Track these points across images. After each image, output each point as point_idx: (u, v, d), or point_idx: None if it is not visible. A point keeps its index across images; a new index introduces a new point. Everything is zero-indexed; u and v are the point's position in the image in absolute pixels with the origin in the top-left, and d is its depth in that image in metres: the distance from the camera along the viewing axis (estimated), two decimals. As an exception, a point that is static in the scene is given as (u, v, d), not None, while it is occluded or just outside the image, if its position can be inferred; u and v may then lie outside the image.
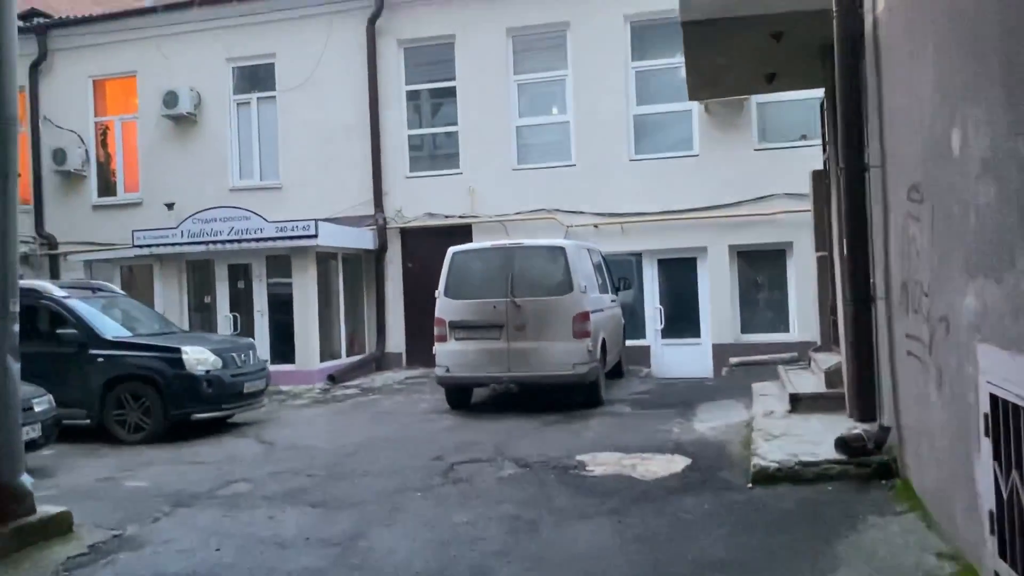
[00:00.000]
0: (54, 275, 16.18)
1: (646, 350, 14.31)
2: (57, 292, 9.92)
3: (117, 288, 11.93)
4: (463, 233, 14.25)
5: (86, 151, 16.65)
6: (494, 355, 10.12)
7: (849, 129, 5.97)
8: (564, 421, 9.57)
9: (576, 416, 9.81)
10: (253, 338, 13.05)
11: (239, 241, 13.54)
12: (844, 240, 6.45)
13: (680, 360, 14.07)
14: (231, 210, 13.87)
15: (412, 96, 15.57)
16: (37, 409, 7.84)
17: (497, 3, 14.80)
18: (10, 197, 5.34)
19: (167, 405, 9.37)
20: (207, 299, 14.39)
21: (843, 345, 7.64)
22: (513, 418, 9.91)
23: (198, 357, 9.54)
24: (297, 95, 15.64)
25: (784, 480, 6.03)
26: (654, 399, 11.11)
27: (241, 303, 14.20)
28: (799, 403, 8.18)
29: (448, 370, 10.34)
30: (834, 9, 5.92)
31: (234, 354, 10.13)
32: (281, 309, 13.96)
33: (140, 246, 14.02)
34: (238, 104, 16.23)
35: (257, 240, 13.47)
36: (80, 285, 11.23)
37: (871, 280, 6.12)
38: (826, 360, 9.16)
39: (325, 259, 14.34)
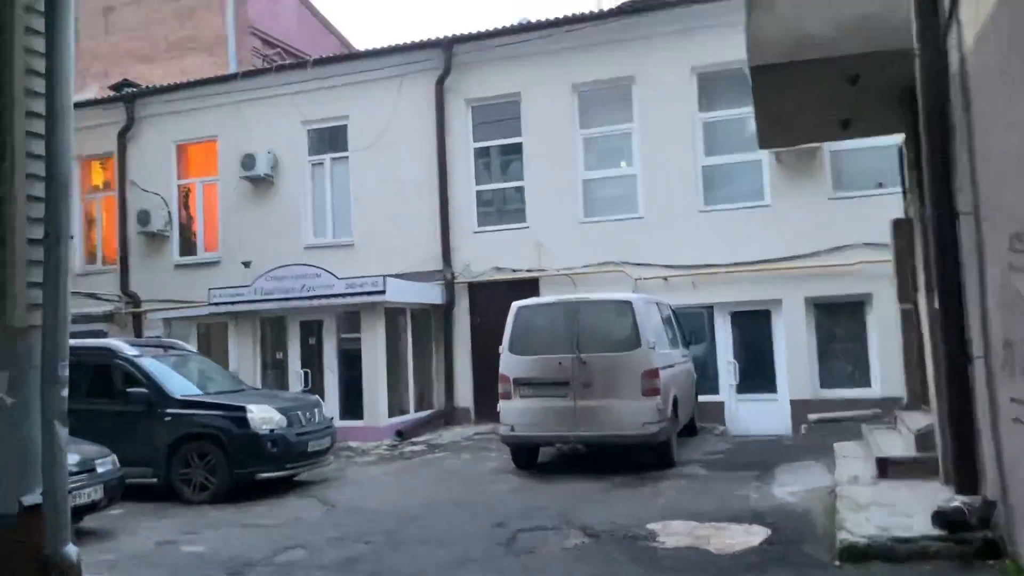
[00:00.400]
0: (137, 333, 16.38)
1: (720, 406, 13.58)
2: (129, 351, 9.88)
3: (189, 346, 11.89)
4: (530, 287, 13.87)
5: (169, 212, 16.92)
6: (560, 413, 9.61)
7: (937, 174, 5.39)
8: (634, 484, 8.98)
9: (647, 478, 9.21)
10: (323, 394, 12.88)
11: (310, 298, 13.45)
12: (934, 293, 5.81)
13: (756, 416, 13.28)
14: (303, 268, 13.82)
15: (479, 153, 15.41)
16: (100, 470, 7.70)
17: (562, 61, 14.58)
18: (63, 260, 5.12)
19: (231, 464, 9.14)
20: (279, 356, 14.29)
21: (936, 406, 6.93)
22: (580, 480, 9.36)
23: (263, 416, 9.30)
24: (368, 154, 15.65)
25: (875, 558, 5.35)
26: (729, 460, 10.41)
27: (312, 359, 14.05)
28: (887, 468, 7.44)
29: (513, 429, 9.86)
30: (916, 47, 5.38)
31: (299, 412, 9.88)
32: (351, 365, 13.76)
33: (215, 303, 14.03)
34: (313, 165, 16.31)
35: (327, 297, 13.36)
36: (153, 344, 11.23)
37: (967, 337, 5.47)
38: (915, 421, 8.37)
39: (394, 314, 14.12)
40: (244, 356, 14.25)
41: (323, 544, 7.04)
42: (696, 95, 13.96)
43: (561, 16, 14.57)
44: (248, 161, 16.01)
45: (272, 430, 9.27)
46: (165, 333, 15.09)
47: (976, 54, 4.80)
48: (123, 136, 17.28)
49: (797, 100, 7.49)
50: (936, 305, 5.72)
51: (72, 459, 7.41)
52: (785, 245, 13.05)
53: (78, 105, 17.49)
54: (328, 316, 13.83)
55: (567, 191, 14.48)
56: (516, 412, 9.82)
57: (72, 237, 5.20)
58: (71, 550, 5.09)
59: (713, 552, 6.12)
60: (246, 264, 15.64)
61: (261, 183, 16.21)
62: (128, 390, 9.44)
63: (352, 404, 13.62)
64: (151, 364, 9.77)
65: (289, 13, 25.94)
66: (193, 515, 8.50)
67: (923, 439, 7.56)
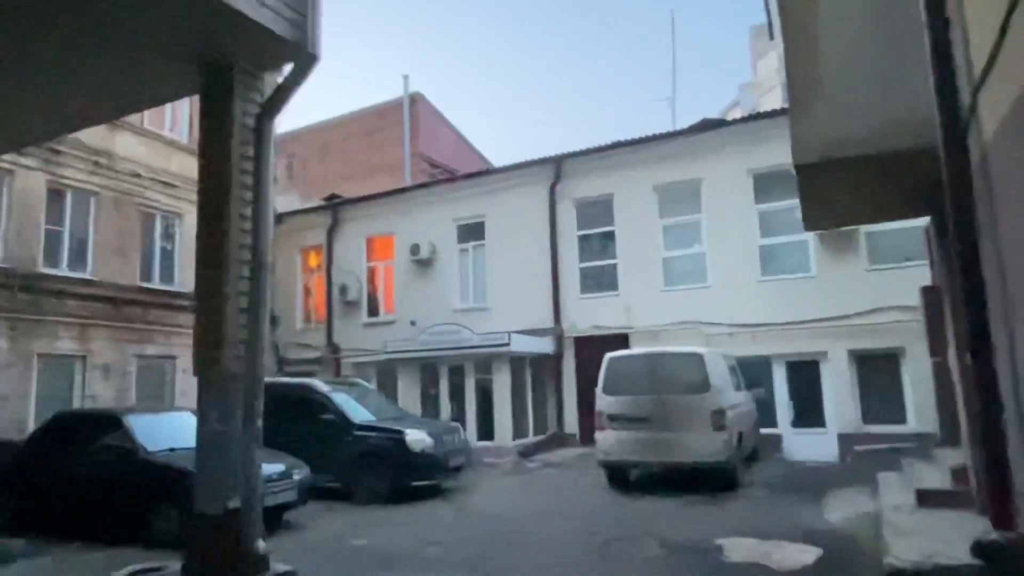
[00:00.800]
0: (337, 373, 16.77)
1: (779, 437, 12.41)
2: (323, 387, 9.99)
3: (366, 383, 11.97)
4: (622, 341, 13.29)
5: (361, 286, 17.43)
6: (644, 442, 8.95)
7: (965, 257, 4.63)
8: (704, 503, 8.18)
9: (715, 498, 8.38)
10: (464, 421, 12.66)
11: (454, 349, 13.39)
12: (966, 352, 4.98)
13: (808, 446, 12.02)
14: (450, 326, 13.82)
15: (582, 239, 15.09)
16: (296, 477, 7.66)
17: (645, 168, 14.20)
18: (261, 326, 5.18)
19: (393, 475, 8.98)
20: (433, 391, 14.21)
21: (968, 447, 5.95)
22: (660, 498, 8.64)
23: (416, 438, 9.13)
24: (499, 241, 15.66)
25: (920, 583, 4.51)
26: (786, 483, 9.38)
27: (457, 394, 13.92)
28: (926, 498, 6.42)
29: (607, 454, 9.28)
30: (940, 145, 4.72)
31: (443, 435, 9.67)
32: (485, 398, 13.51)
33: (389, 352, 14.21)
34: (460, 250, 16.45)
35: (466, 348, 13.26)
36: (341, 381, 11.37)
37: (998, 388, 4.62)
38: (949, 457, 7.29)
39: (517, 361, 13.82)
40: (408, 392, 14.28)
41: (454, 542, 6.71)
42: (752, 190, 13.21)
43: (643, 135, 14.25)
44: (415, 248, 16.35)
45: (423, 449, 9.08)
46: (353, 374, 15.36)
47: (996, 149, 4.13)
48: (330, 233, 18.06)
49: (835, 191, 6.81)
50: (968, 362, 4.88)
51: (277, 468, 7.46)
52: (829, 307, 11.99)
53: (302, 212, 18.59)
54: (468, 362, 13.69)
55: (651, 266, 13.92)
56: (608, 441, 9.24)
57: (271, 310, 5.20)
58: (261, 544, 4.99)
59: (773, 568, 5.38)
60: (413, 323, 15.80)
61: (423, 264, 16.47)
62: (321, 416, 9.52)
63: (486, 428, 13.33)
64: (338, 397, 9.84)
65: (448, 142, 26.84)
66: (363, 514, 8.36)
67: (957, 474, 6.53)
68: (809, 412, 12.39)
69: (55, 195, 12.07)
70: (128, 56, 5.32)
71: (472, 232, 16.38)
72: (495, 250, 15.77)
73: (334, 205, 18.26)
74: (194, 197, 14.33)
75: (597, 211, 14.89)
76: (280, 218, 17.87)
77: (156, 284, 13.73)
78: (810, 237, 12.24)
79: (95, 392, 12.26)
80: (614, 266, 14.52)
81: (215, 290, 5.19)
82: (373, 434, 9.30)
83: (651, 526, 6.98)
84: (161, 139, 14.04)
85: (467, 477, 10.48)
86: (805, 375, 12.54)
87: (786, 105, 6.92)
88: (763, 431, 11.96)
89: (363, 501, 8.92)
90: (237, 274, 5.18)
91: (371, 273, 17.88)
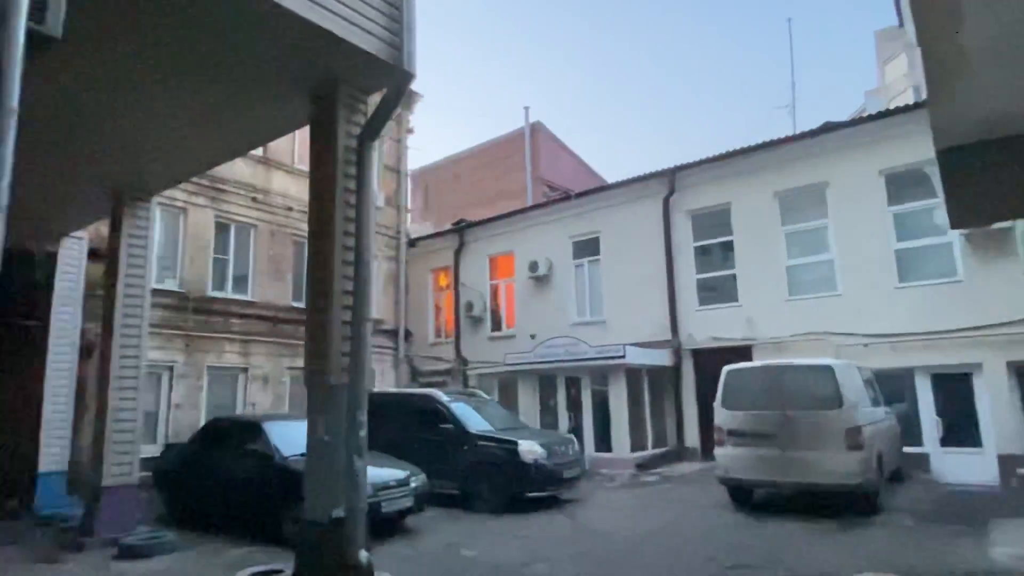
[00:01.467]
0: (465, 384, 16.79)
1: (925, 457, 10.60)
2: (443, 398, 9.83)
3: (485, 394, 11.70)
4: (744, 353, 12.07)
5: (484, 303, 17.42)
6: (768, 461, 7.87)
7: None
8: (839, 530, 6.98)
9: (852, 524, 7.13)
10: (581, 432, 12.06)
11: (570, 361, 12.84)
12: None
13: (961, 467, 10.13)
14: (566, 339, 13.31)
15: (698, 250, 14.02)
16: (413, 484, 7.46)
17: (764, 175, 12.95)
18: (364, 340, 4.98)
19: (507, 484, 8.58)
20: (551, 402, 13.72)
21: None
22: (788, 521, 7.50)
23: (529, 449, 8.69)
24: (614, 256, 14.97)
25: None
26: (938, 510, 7.84)
27: (574, 406, 13.32)
28: None
29: (727, 471, 8.27)
30: None
31: (556, 447, 9.13)
32: (602, 410, 12.79)
33: (509, 364, 13.93)
34: (576, 266, 15.92)
35: (582, 360, 12.65)
36: (462, 392, 11.18)
37: None
38: None
39: (634, 373, 13.01)
40: (528, 402, 13.90)
41: (563, 559, 6.14)
42: (884, 192, 11.55)
43: (761, 141, 13.00)
44: (533, 266, 16.06)
45: (536, 460, 8.62)
46: (478, 386, 15.25)
47: None
48: (457, 254, 18.26)
49: (985, 180, 5.55)
50: None
51: (396, 475, 7.30)
52: (981, 315, 10.10)
53: (432, 236, 18.98)
54: (584, 374, 13.07)
55: (773, 275, 12.60)
56: (729, 457, 8.25)
57: (370, 320, 4.99)
58: (364, 555, 4.73)
59: (925, 617, 4.30)
60: (532, 336, 15.46)
61: (541, 280, 16.13)
62: (441, 426, 9.35)
63: (603, 440, 12.60)
64: (457, 407, 9.64)
65: (567, 166, 26.52)
66: (478, 523, 8.01)
67: None
68: (961, 429, 10.46)
69: (221, 228, 13.07)
70: (246, 90, 5.43)
71: (587, 248, 15.80)
72: (610, 264, 15.09)
73: (460, 228, 18.45)
74: (336, 226, 14.97)
75: (714, 221, 13.78)
76: (413, 242, 18.35)
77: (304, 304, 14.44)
78: (955, 238, 10.48)
79: (256, 400, 13.04)
80: (733, 276, 13.32)
81: (320, 306, 5.10)
82: (488, 444, 8.97)
83: (776, 554, 6.00)
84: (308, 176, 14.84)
85: (583, 489, 9.87)
86: (955, 389, 10.63)
87: (918, 100, 5.77)
88: (906, 450, 10.27)
89: (480, 509, 8.59)
90: (341, 289, 5.04)
91: (494, 290, 17.80)
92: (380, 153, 16.94)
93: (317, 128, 5.43)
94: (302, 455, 7.15)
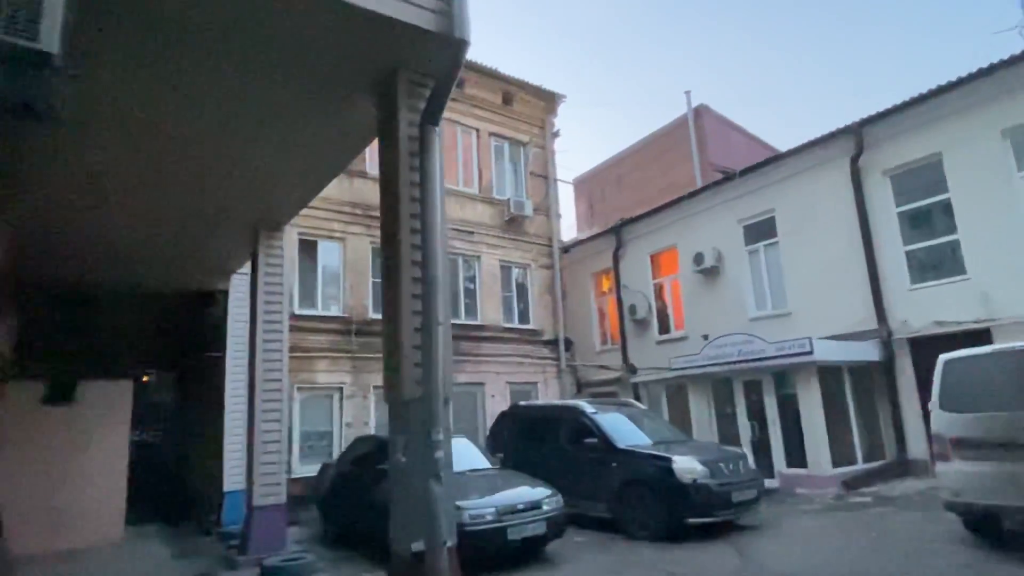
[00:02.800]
0: (636, 395, 15.62)
1: None
2: (588, 409, 8.95)
3: (640, 403, 10.48)
4: (979, 338, 9.39)
5: (649, 304, 16.15)
6: (1019, 480, 5.75)
7: None
8: None
9: None
10: (769, 445, 10.31)
11: (745, 361, 11.11)
12: None
13: None
14: (739, 336, 11.59)
15: (903, 216, 11.41)
16: (545, 507, 6.71)
17: (987, 110, 10.15)
18: (434, 347, 4.39)
19: (662, 508, 7.41)
20: (729, 411, 12.02)
21: None
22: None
23: (686, 467, 7.44)
24: (794, 236, 12.86)
25: None
26: None
27: (757, 413, 11.50)
28: None
29: (956, 494, 6.19)
30: None
31: (722, 464, 7.73)
32: (791, 418, 10.83)
33: (675, 369, 12.53)
34: (749, 253, 14.01)
35: (758, 360, 10.86)
36: (613, 401, 10.16)
37: None
38: None
39: (830, 372, 10.87)
40: (700, 411, 12.36)
41: (717, 608, 4.91)
42: None
43: (982, 67, 10.19)
44: (698, 258, 14.50)
45: (695, 480, 7.33)
46: (645, 394, 14.02)
47: None
48: (616, 255, 17.25)
49: None
50: None
51: (524, 498, 6.62)
52: None
53: (590, 239, 18.19)
54: (765, 376, 11.22)
55: (1012, 236, 9.73)
56: (957, 476, 6.17)
57: (440, 324, 4.38)
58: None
59: None
60: (705, 337, 13.84)
61: (709, 273, 14.46)
62: (585, 440, 8.47)
63: (796, 453, 10.63)
64: (604, 419, 8.69)
65: (738, 146, 24.03)
66: (626, 552, 6.97)
67: None
68: None
69: (378, 252, 13.63)
70: (313, 95, 5.22)
71: (760, 231, 13.82)
72: (790, 247, 12.99)
73: (617, 227, 17.42)
74: (489, 240, 14.88)
75: (920, 179, 11.15)
76: (567, 249, 17.73)
77: (462, 320, 14.53)
78: None
79: (420, 417, 13.28)
80: (955, 243, 10.58)
81: (391, 312, 4.63)
82: (638, 460, 7.87)
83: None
84: (455, 194, 15.03)
85: (767, 513, 8.27)
86: None
87: None
88: None
89: (634, 536, 7.53)
90: (409, 293, 4.52)
91: (658, 290, 16.43)
92: (526, 159, 16.66)
93: (382, 125, 5.03)
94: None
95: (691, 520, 7.27)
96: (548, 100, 17.28)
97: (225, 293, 10.49)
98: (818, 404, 10.39)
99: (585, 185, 28.74)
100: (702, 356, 11.95)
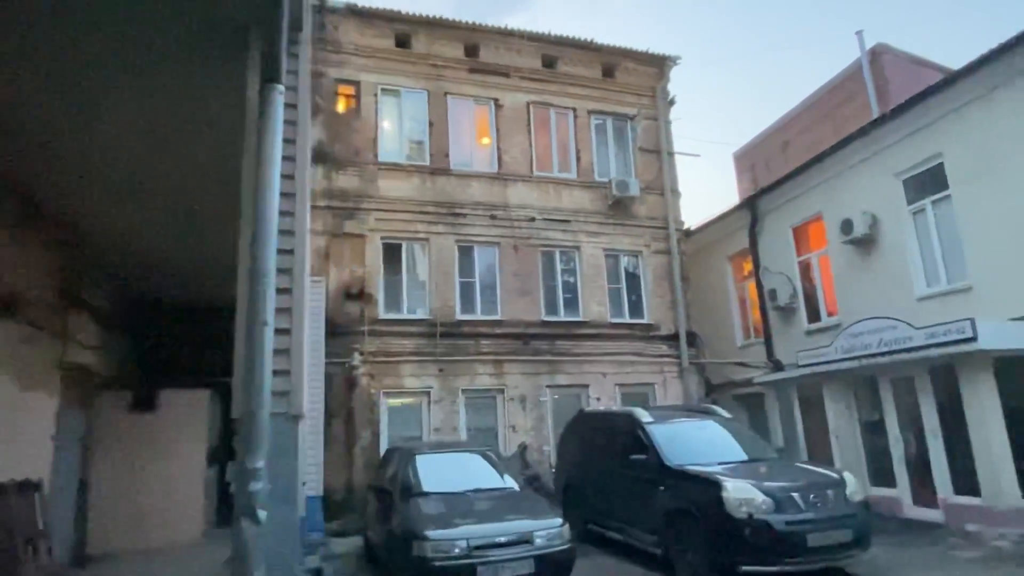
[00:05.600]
0: (783, 401, 13.19)
1: None
2: (643, 418, 7.48)
3: (723, 411, 8.43)
4: None
5: (793, 287, 13.55)
6: None
7: None
8: None
9: None
10: (926, 462, 7.82)
11: (887, 353, 8.54)
12: None
13: None
14: (879, 321, 9.05)
15: None
16: (538, 542, 5.57)
17: None
18: (258, 349, 3.64)
19: (707, 548, 5.78)
20: (875, 419, 9.44)
21: None
22: None
23: (740, 496, 5.75)
24: (972, 187, 9.77)
25: None
26: None
27: (911, 422, 8.82)
28: None
29: None
30: None
31: (797, 494, 5.83)
32: (958, 428, 8.08)
33: (803, 366, 10.18)
34: (913, 213, 10.98)
35: (904, 351, 8.26)
36: (687, 408, 8.43)
37: None
38: None
39: (1017, 365, 7.90)
40: (840, 418, 9.89)
41: None
42: None
43: None
44: (846, 226, 11.77)
45: (751, 514, 5.60)
46: (776, 397, 11.66)
47: None
48: (752, 231, 14.84)
49: None
50: None
51: (506, 530, 5.58)
52: None
53: (723, 216, 15.94)
54: (919, 372, 8.57)
55: None
56: None
57: (266, 324, 3.63)
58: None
59: None
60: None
61: (862, 243, 11.66)
62: (631, 457, 7.03)
63: (965, 476, 7.89)
64: (659, 431, 7.15)
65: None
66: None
67: None
68: None
69: (464, 251, 13.21)
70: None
71: (926, 183, 10.79)
72: (967, 201, 9.91)
73: (751, 198, 15.01)
74: (590, 227, 13.68)
75: None
76: (688, 233, 15.67)
77: (561, 316, 13.49)
78: None
79: (515, 422, 12.55)
80: None
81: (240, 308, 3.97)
82: (687, 484, 6.29)
83: None
84: (550, 181, 14.06)
85: (893, 559, 6.13)
86: None
87: None
88: None
89: (683, 580, 6.00)
90: (246, 287, 3.83)
91: (804, 269, 13.75)
92: (633, 134, 15.08)
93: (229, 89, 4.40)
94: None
95: (745, 568, 5.54)
96: (657, 65, 15.48)
97: (297, 301, 10.74)
98: (994, 409, 7.62)
99: (747, 157, 25.69)
100: (834, 348, 9.56)
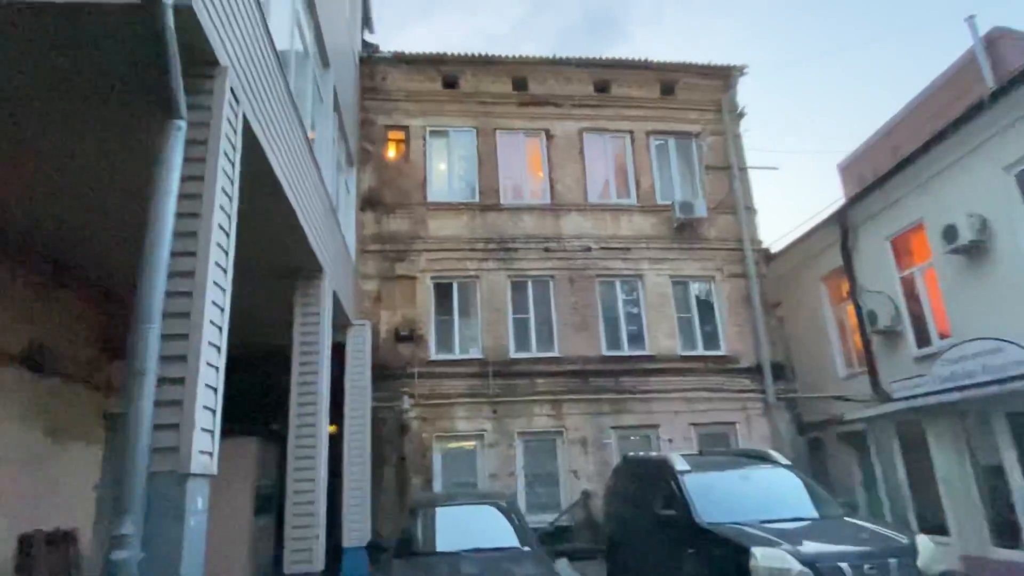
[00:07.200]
0: (881, 441, 11.34)
1: None
2: (679, 465, 6.47)
3: (780, 457, 7.08)
4: None
5: (895, 308, 11.75)
6: None
7: None
8: None
9: None
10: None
11: (995, 383, 6.95)
12: None
13: None
14: (981, 343, 7.50)
15: None
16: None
17: None
18: (134, 396, 3.34)
19: (733, 632, 4.72)
20: (994, 465, 7.68)
21: None
22: None
23: (771, 566, 4.71)
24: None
25: None
26: None
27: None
28: None
29: None
30: None
31: (845, 564, 4.64)
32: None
33: (899, 399, 8.59)
34: (1032, 212, 9.17)
35: (1018, 379, 6.65)
36: (744, 452, 7.22)
37: None
38: None
39: None
40: (948, 464, 8.17)
41: None
42: None
43: None
44: (950, 233, 10.07)
45: (780, 589, 4.51)
46: (875, 437, 9.94)
47: None
48: (845, 246, 13.18)
49: None
50: None
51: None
52: None
53: (809, 233, 14.37)
54: (1039, 405, 6.87)
55: None
56: None
57: (142, 374, 3.35)
58: None
59: None
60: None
61: (971, 252, 9.87)
62: (660, 512, 6.06)
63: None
64: (694, 482, 6.14)
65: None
66: None
67: None
68: None
69: (517, 286, 12.73)
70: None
71: (1044, 175, 8.96)
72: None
73: (839, 211, 13.37)
74: (652, 254, 12.76)
75: None
76: (768, 253, 14.19)
77: (624, 351, 12.55)
78: None
79: (576, 467, 11.68)
80: None
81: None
82: (713, 547, 5.26)
83: None
84: (606, 208, 13.36)
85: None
86: None
87: None
88: None
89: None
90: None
91: (907, 285, 11.91)
92: (699, 152, 14.07)
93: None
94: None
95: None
96: (721, 77, 14.46)
97: (341, 345, 10.74)
98: None
99: (854, 167, 23.49)
100: (932, 377, 7.97)
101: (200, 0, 3.81)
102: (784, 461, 6.79)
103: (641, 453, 8.01)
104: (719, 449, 9.49)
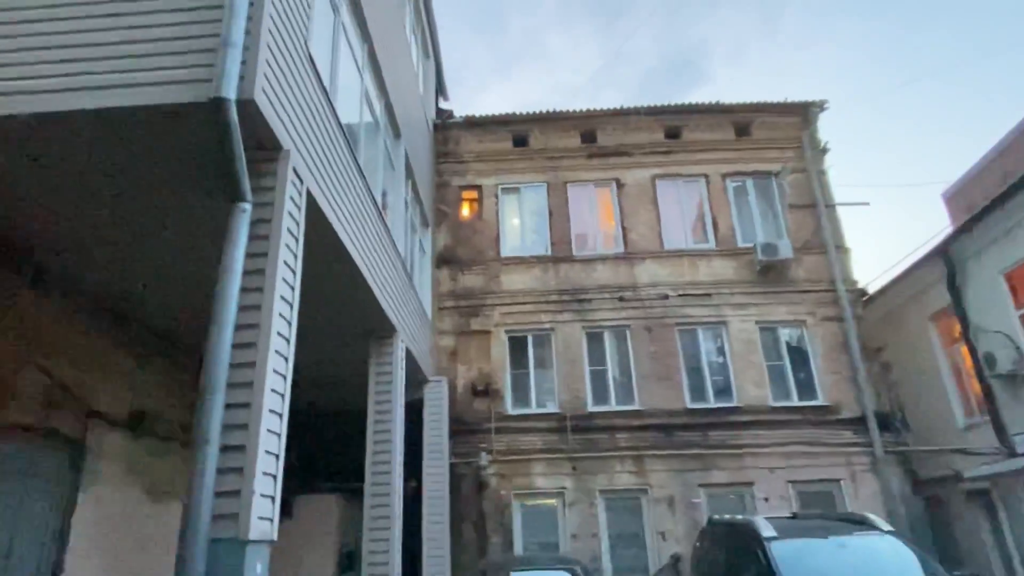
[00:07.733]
0: (1010, 502, 10.04)
1: None
2: (764, 531, 5.96)
3: (883, 524, 6.29)
4: None
5: (1016, 348, 10.57)
6: None
7: None
8: None
9: None
10: None
11: None
12: None
13: None
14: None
15: None
16: None
17: None
18: (197, 464, 3.51)
19: None
20: None
21: None
22: None
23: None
24: None
25: None
26: None
27: None
28: None
29: None
30: None
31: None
32: None
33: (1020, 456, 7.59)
34: None
35: None
36: (842, 517, 6.53)
37: None
38: None
39: None
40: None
41: None
42: None
43: None
44: (1075, 263, 9.02)
45: None
46: (1001, 497, 8.77)
47: None
48: (951, 285, 12.10)
49: None
50: None
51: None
52: None
53: (911, 269, 13.33)
54: None
55: None
56: None
57: (207, 442, 3.54)
58: None
59: None
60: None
61: (1104, 284, 8.78)
62: (744, 583, 5.59)
63: None
64: (782, 550, 5.62)
65: None
66: None
67: None
68: None
69: (592, 338, 12.53)
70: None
71: None
72: None
73: (944, 242, 12.34)
74: (736, 299, 12.32)
75: None
76: (869, 298, 13.22)
77: (711, 403, 11.94)
78: None
79: (663, 528, 11.07)
80: None
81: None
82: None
83: None
84: (683, 254, 13.02)
85: None
86: None
87: None
88: None
89: None
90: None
91: (1030, 324, 10.70)
92: (780, 191, 13.54)
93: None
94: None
95: None
96: (799, 114, 13.98)
97: (419, 401, 10.91)
98: None
99: (960, 197, 21.83)
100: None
101: (263, 93, 4.15)
102: (886, 527, 6.08)
103: (727, 516, 7.47)
104: (812, 512, 8.69)
